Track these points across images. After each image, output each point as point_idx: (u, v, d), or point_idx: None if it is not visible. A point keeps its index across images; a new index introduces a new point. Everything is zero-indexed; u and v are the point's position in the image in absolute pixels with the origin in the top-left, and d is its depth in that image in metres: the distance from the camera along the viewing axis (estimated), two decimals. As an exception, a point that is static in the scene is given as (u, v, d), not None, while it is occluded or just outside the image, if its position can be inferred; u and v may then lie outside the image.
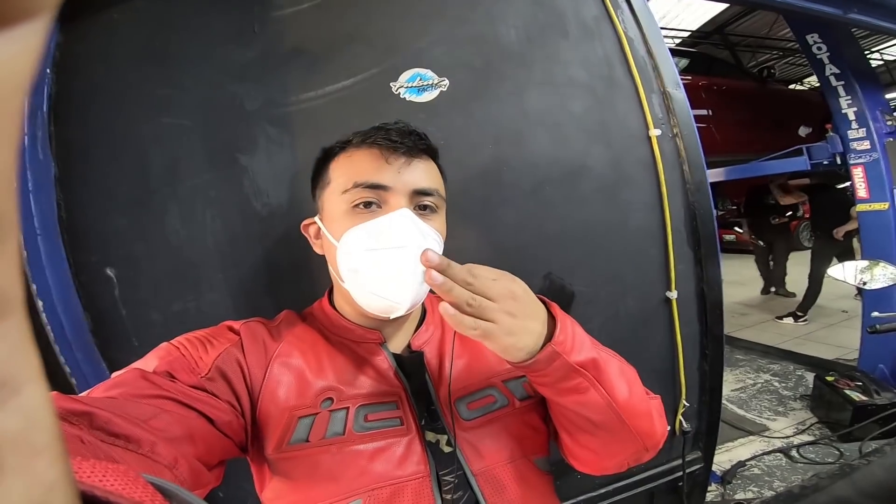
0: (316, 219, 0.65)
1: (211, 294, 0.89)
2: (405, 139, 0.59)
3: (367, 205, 0.57)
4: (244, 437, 0.56)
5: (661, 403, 0.62)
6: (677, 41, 7.72)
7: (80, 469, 0.30)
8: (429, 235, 0.58)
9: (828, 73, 2.65)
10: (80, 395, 0.43)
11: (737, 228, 6.17)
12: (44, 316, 0.77)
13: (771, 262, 5.01)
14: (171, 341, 0.57)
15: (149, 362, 0.52)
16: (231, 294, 0.90)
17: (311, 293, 0.78)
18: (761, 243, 4.82)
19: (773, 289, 5.09)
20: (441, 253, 0.60)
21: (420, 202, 0.59)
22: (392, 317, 0.58)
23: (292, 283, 0.91)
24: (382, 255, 0.55)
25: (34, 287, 0.76)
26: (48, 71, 0.78)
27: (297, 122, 0.89)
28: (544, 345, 0.50)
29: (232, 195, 0.88)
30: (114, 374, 0.50)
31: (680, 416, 1.17)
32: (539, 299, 0.53)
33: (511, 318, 0.47)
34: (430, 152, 0.63)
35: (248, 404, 0.56)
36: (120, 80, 0.83)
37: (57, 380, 0.81)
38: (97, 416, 0.39)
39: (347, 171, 0.59)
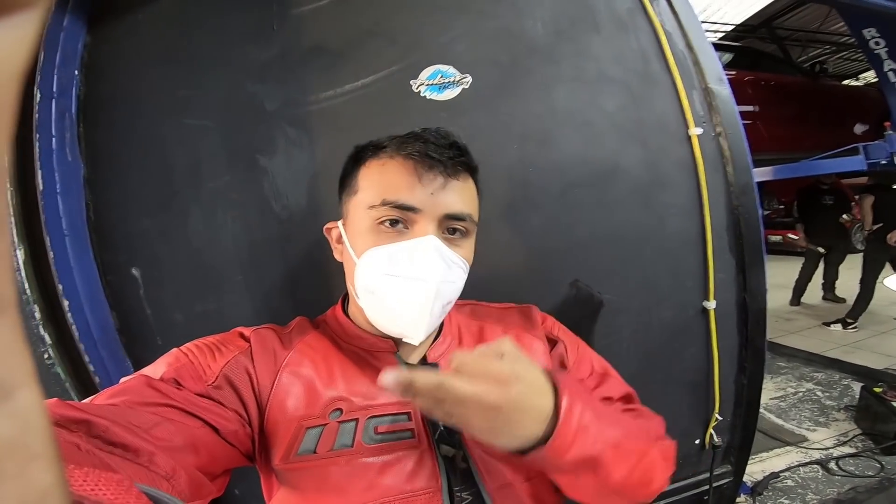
0: (339, 223, 0.63)
1: (231, 296, 0.89)
2: (443, 154, 0.55)
3: (393, 223, 0.55)
4: (251, 446, 0.55)
5: (674, 447, 0.57)
6: (719, 35, 7.40)
7: (72, 477, 0.29)
8: (454, 264, 0.56)
9: (886, 68, 2.50)
10: (82, 401, 0.43)
11: (790, 236, 5.79)
12: (69, 315, 0.79)
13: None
14: (181, 347, 0.56)
15: (157, 368, 0.52)
16: (251, 296, 0.89)
17: (330, 296, 0.77)
18: (820, 249, 4.48)
19: (802, 300, 4.76)
20: (465, 280, 0.58)
21: (450, 226, 0.56)
22: (405, 341, 0.56)
23: (311, 285, 0.90)
24: (401, 283, 0.53)
25: (60, 287, 0.78)
26: (76, 73, 0.80)
27: (316, 122, 0.88)
28: (541, 438, 0.44)
29: (252, 197, 0.87)
30: (122, 380, 0.50)
31: (711, 430, 1.11)
32: (553, 377, 0.47)
33: (487, 424, 0.42)
34: (470, 170, 0.60)
35: (255, 413, 0.55)
36: (144, 81, 0.84)
37: (81, 378, 0.82)
38: (95, 424, 0.38)
39: (378, 183, 0.56)
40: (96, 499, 0.28)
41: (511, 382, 0.42)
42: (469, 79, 0.92)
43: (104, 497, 0.28)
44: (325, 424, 0.55)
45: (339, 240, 0.62)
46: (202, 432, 0.48)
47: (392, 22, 0.91)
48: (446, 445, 0.58)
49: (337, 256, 0.64)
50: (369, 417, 0.57)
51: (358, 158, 0.61)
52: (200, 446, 0.47)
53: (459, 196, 0.56)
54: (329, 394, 0.57)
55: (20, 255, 0.75)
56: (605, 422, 0.49)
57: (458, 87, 0.91)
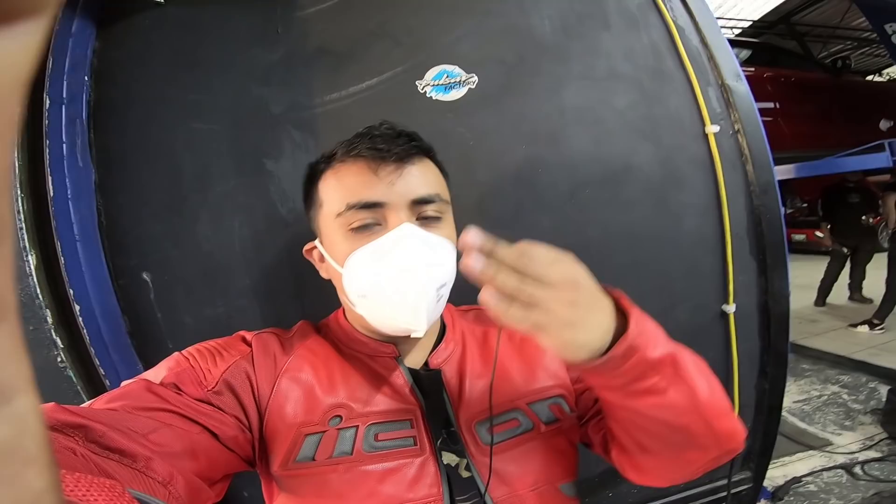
0: (316, 242, 0.62)
1: (239, 300, 0.89)
2: (392, 144, 0.54)
3: (366, 227, 0.54)
4: (251, 451, 0.55)
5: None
6: (737, 32, 7.28)
7: (63, 482, 0.28)
8: (438, 247, 0.54)
9: (909, 63, 2.40)
10: (80, 406, 0.43)
11: (817, 234, 5.62)
12: (80, 319, 0.79)
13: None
14: (183, 351, 0.56)
15: (158, 373, 0.51)
16: (258, 300, 0.89)
17: (335, 299, 0.76)
18: (845, 249, 4.34)
19: (828, 300, 4.61)
20: (455, 258, 0.57)
21: (422, 213, 0.55)
22: (412, 336, 0.55)
23: (317, 288, 0.88)
24: (390, 278, 0.52)
25: (71, 292, 0.78)
26: (86, 78, 0.81)
27: (321, 125, 0.87)
28: (614, 340, 0.42)
29: (259, 201, 0.87)
30: (123, 383, 0.50)
31: None
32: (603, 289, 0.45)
33: (571, 309, 0.39)
34: (424, 152, 0.59)
35: (255, 418, 0.55)
36: (153, 86, 0.84)
37: (93, 381, 0.83)
38: (92, 429, 0.38)
39: (336, 191, 0.56)
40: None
41: (576, 260, 0.42)
42: (475, 78, 0.91)
43: (96, 503, 0.28)
44: (325, 431, 0.55)
45: (322, 258, 0.61)
46: (201, 438, 0.48)
47: (396, 23, 0.90)
48: (449, 453, 0.56)
49: (323, 275, 0.63)
50: (370, 424, 0.56)
51: (314, 174, 0.61)
52: (199, 452, 0.46)
53: (421, 179, 0.55)
54: (329, 400, 0.56)
55: (32, 260, 0.76)
56: (663, 331, 0.47)
57: (464, 87, 0.90)
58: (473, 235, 0.39)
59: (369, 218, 0.53)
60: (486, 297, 0.39)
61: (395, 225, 0.53)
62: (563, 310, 0.39)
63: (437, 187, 0.58)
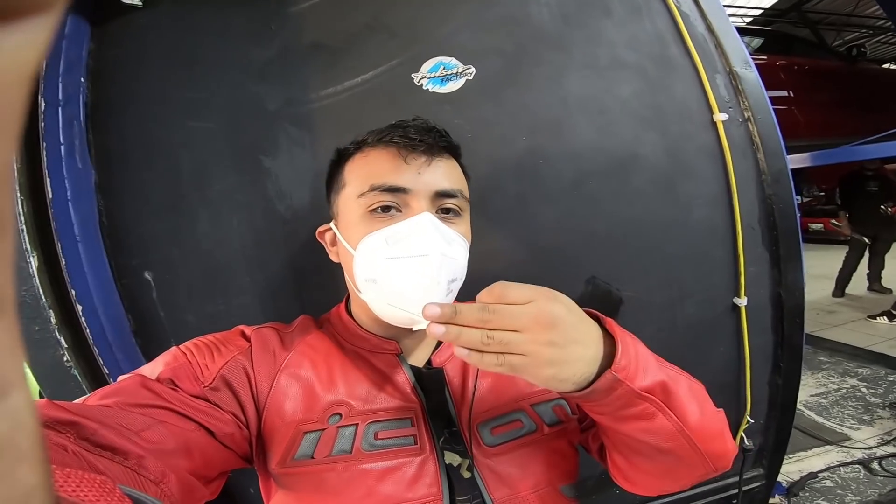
0: (331, 224, 0.62)
1: (239, 297, 0.89)
2: (424, 136, 0.55)
3: (386, 209, 0.53)
4: (248, 448, 0.54)
5: (725, 416, 0.55)
6: (748, 20, 7.15)
7: (53, 477, 0.28)
8: (454, 241, 0.54)
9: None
10: (72, 402, 0.42)
11: (834, 222, 5.51)
12: (83, 319, 0.80)
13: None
14: (181, 346, 0.55)
15: (154, 368, 0.51)
16: (258, 297, 0.89)
17: (336, 295, 0.76)
18: (865, 239, 4.26)
19: (846, 291, 4.53)
20: (467, 257, 0.57)
21: (442, 205, 0.55)
22: (415, 329, 0.54)
23: (317, 285, 0.89)
24: (403, 263, 0.51)
25: (73, 292, 0.79)
26: (82, 79, 0.81)
27: (317, 121, 0.87)
28: (601, 370, 0.43)
29: (256, 198, 0.87)
30: (119, 378, 0.50)
31: (742, 433, 1.06)
32: (590, 315, 0.46)
33: (550, 348, 0.40)
34: (452, 150, 0.59)
35: (253, 415, 0.54)
36: (150, 85, 0.84)
37: (98, 380, 0.83)
38: (84, 426, 0.38)
39: (363, 173, 0.56)
40: (76, 500, 0.27)
41: (556, 294, 0.43)
42: (473, 70, 0.89)
43: (85, 498, 0.27)
44: (324, 429, 0.54)
45: (334, 241, 0.61)
46: (196, 435, 0.47)
47: (391, 15, 0.89)
48: (452, 453, 0.56)
49: (333, 258, 0.63)
50: (370, 423, 0.55)
51: (341, 158, 0.61)
52: (194, 449, 0.46)
53: (446, 174, 0.56)
54: (328, 397, 0.56)
55: (34, 261, 0.77)
56: (656, 357, 0.48)
57: (461, 78, 0.89)
58: (431, 310, 0.41)
59: (390, 200, 0.53)
60: (457, 352, 0.41)
61: (416, 212, 0.53)
62: (541, 350, 0.40)
63: (460, 184, 0.58)
